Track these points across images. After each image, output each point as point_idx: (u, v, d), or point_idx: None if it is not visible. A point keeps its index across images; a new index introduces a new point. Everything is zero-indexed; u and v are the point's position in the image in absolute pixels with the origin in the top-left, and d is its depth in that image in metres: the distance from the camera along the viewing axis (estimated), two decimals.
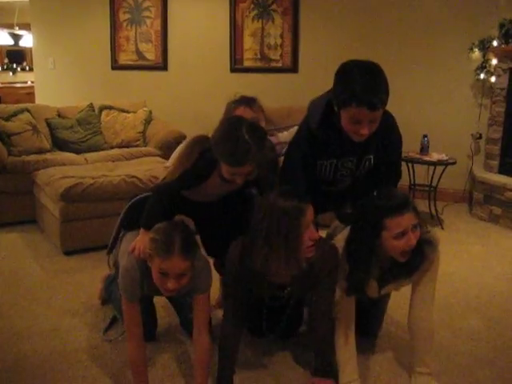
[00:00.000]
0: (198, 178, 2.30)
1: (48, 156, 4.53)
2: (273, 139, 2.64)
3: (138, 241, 2.15)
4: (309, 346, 2.38)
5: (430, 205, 4.62)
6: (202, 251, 2.34)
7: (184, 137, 5.01)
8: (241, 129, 2.11)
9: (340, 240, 2.22)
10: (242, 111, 2.60)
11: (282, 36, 5.60)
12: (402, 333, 2.66)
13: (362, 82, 1.98)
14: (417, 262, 2.11)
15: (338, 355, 2.19)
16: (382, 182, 2.33)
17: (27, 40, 9.24)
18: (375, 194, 2.08)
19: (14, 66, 11.20)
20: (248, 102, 2.66)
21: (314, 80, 5.37)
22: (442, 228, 4.46)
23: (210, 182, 2.28)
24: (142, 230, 2.20)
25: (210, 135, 2.28)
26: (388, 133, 2.28)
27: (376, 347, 2.57)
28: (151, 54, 6.15)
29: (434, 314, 2.59)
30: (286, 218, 1.96)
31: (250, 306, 2.35)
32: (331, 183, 2.38)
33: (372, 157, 2.32)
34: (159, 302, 2.69)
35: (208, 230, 2.56)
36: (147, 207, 2.33)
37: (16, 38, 10.02)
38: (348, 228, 2.23)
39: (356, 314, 2.24)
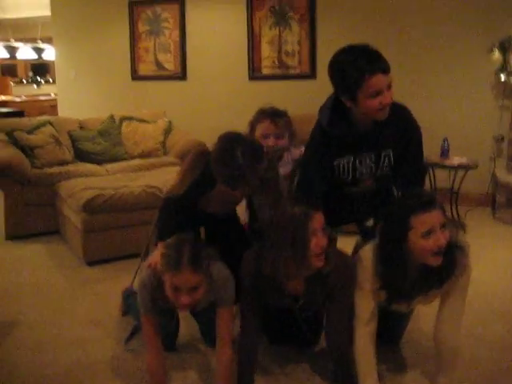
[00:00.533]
0: (204, 190, 2.34)
1: (70, 168, 4.61)
2: (296, 153, 2.69)
3: (155, 256, 2.17)
4: (327, 356, 2.36)
5: (451, 209, 4.56)
6: None
7: (204, 146, 5.04)
8: (235, 152, 2.13)
9: (367, 250, 2.16)
10: (267, 126, 2.66)
11: (299, 43, 5.61)
12: (425, 340, 2.63)
13: (362, 56, 2.05)
14: (448, 268, 2.03)
15: (358, 367, 2.15)
16: (406, 180, 2.33)
17: (50, 53, 9.43)
18: (400, 194, 2.05)
19: (39, 78, 11.45)
20: (274, 116, 2.68)
21: (332, 86, 5.36)
22: (465, 233, 4.39)
23: (217, 190, 2.31)
24: (159, 245, 2.23)
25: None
26: (403, 124, 2.28)
27: (397, 355, 2.55)
28: (170, 64, 6.22)
29: None
30: (292, 223, 1.98)
31: (269, 315, 2.36)
32: (352, 183, 2.36)
33: (391, 152, 2.30)
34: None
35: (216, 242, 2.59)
36: (159, 222, 2.38)
37: (39, 51, 10.24)
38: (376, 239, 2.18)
39: (378, 320, 2.20)
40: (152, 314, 2.15)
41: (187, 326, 2.80)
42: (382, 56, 2.08)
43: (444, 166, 4.46)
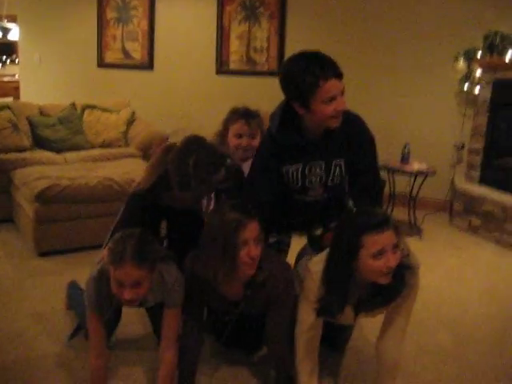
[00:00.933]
0: (167, 186, 2.31)
1: (27, 155, 4.49)
2: None
3: (105, 251, 2.13)
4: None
5: (409, 214, 4.62)
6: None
7: (166, 138, 4.99)
8: (188, 160, 2.16)
9: (316, 263, 2.11)
10: (240, 126, 2.66)
11: (268, 40, 5.58)
12: (368, 349, 2.65)
13: (315, 61, 2.03)
14: (396, 288, 2.01)
15: (298, 375, 2.15)
16: (361, 193, 2.31)
17: (16, 33, 9.16)
18: (354, 210, 2.02)
19: (4, 58, 11.11)
20: (248, 117, 2.68)
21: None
22: (421, 238, 4.46)
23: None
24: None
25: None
26: (355, 132, 2.26)
27: (342, 362, 2.56)
28: (137, 53, 6.12)
29: None
30: (223, 230, 1.96)
31: (214, 319, 2.35)
32: (301, 191, 2.33)
33: (342, 162, 2.27)
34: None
35: (177, 239, 2.57)
36: (120, 216, 2.35)
37: (4, 31, 9.92)
38: (326, 251, 2.14)
39: (323, 327, 2.19)
40: (98, 311, 2.11)
41: (134, 322, 2.78)
42: (334, 62, 2.05)
43: (403, 172, 4.50)
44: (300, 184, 2.29)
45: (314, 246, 2.36)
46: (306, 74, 2.01)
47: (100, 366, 2.13)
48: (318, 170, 2.27)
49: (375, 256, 1.88)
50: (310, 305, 2.08)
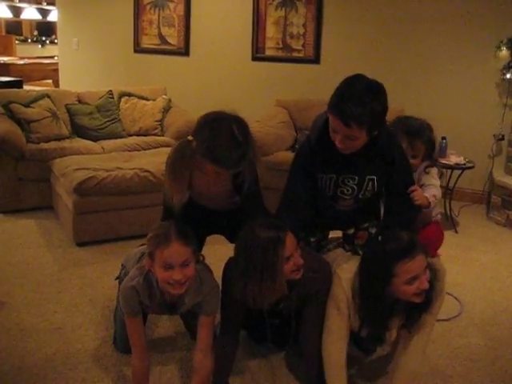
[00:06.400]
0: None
1: (66, 144, 4.59)
2: None
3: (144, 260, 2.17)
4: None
5: (445, 206, 4.55)
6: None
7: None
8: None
9: (347, 271, 2.15)
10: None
11: (304, 26, 5.49)
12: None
13: (341, 93, 2.03)
14: (427, 300, 2.02)
15: (327, 379, 2.18)
16: (396, 211, 2.35)
17: (55, 14, 9.29)
18: (380, 238, 2.01)
19: (43, 38, 11.28)
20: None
21: (336, 72, 5.26)
22: (456, 232, 4.40)
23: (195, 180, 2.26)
24: None
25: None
26: (390, 152, 2.27)
27: (369, 363, 2.58)
28: (173, 38, 6.13)
29: (434, 331, 2.59)
30: (261, 250, 2.00)
31: (253, 317, 2.39)
32: (332, 198, 2.38)
33: (375, 178, 2.30)
34: None
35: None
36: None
37: (44, 13, 10.06)
38: (354, 259, 2.19)
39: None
40: (138, 316, 2.17)
41: (166, 319, 2.85)
42: (359, 105, 2.00)
43: (440, 165, 4.40)
44: (331, 193, 2.35)
45: (347, 241, 2.49)
46: (332, 95, 2.10)
47: (143, 369, 2.18)
48: (350, 181, 2.31)
49: (409, 282, 1.91)
50: (342, 317, 2.13)
